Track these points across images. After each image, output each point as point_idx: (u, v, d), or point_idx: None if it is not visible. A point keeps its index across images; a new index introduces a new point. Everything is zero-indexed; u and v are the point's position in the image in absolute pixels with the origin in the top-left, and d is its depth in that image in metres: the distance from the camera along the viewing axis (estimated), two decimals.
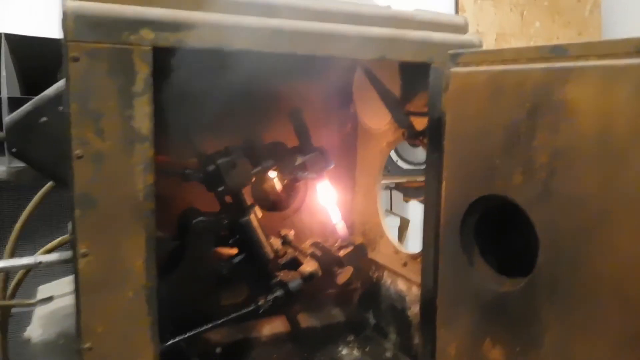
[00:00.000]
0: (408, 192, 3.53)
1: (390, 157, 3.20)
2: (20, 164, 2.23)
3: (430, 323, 1.29)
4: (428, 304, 1.31)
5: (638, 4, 4.17)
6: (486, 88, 1.12)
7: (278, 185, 1.72)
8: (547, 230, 1.01)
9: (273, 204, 1.65)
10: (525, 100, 1.05)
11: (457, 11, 4.34)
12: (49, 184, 1.48)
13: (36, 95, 1.11)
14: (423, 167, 3.42)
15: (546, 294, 1.01)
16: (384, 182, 3.26)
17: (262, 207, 1.64)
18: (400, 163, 3.32)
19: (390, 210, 3.60)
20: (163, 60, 1.05)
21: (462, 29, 1.30)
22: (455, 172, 1.19)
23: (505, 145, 1.08)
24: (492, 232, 1.20)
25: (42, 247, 1.48)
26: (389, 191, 3.58)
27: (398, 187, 3.50)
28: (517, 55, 1.10)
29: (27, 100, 1.10)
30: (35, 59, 2.42)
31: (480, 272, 1.18)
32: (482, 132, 1.12)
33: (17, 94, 2.33)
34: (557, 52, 1.02)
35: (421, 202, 3.46)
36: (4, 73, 2.31)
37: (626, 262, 0.89)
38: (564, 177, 0.98)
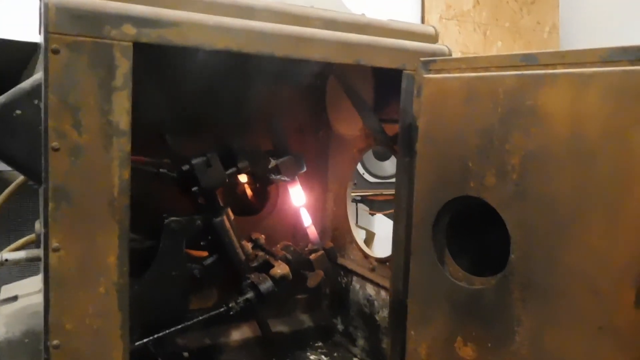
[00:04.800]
0: (374, 205, 3.56)
1: (357, 170, 3.24)
2: None
3: (400, 324, 1.31)
4: (397, 305, 1.33)
5: (594, 26, 4.38)
6: (459, 94, 1.16)
7: (249, 191, 1.72)
8: (519, 229, 1.05)
9: (245, 209, 1.64)
10: (498, 105, 1.09)
11: None
12: (15, 182, 1.44)
13: None
14: (389, 180, 3.47)
15: (518, 290, 1.04)
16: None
17: (234, 212, 1.64)
18: (367, 176, 3.36)
19: (356, 224, 3.62)
20: (143, 57, 1.05)
21: (432, 38, 1.34)
22: (428, 175, 1.22)
23: (479, 149, 1.11)
24: (465, 233, 1.23)
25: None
26: (355, 204, 3.60)
27: (364, 200, 3.52)
28: (488, 63, 1.14)
29: None
30: None
31: (451, 271, 1.20)
32: (456, 136, 1.16)
33: None
34: (528, 60, 1.07)
35: (386, 215, 3.52)
36: None
37: (596, 257, 0.93)
38: (535, 178, 1.02)
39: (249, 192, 1.73)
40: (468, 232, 1.25)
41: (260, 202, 1.71)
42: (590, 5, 4.58)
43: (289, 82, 1.60)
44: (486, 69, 1.14)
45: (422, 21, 4.42)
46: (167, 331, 1.25)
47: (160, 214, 1.32)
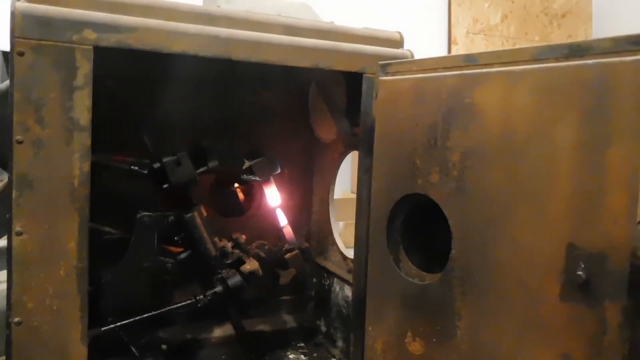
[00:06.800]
0: None
1: None
2: None
3: (361, 321, 1.34)
4: (359, 302, 1.36)
5: None
6: (410, 94, 1.20)
7: (241, 194, 1.79)
8: (459, 224, 1.07)
9: (234, 210, 1.72)
10: (442, 104, 1.12)
11: (449, 44, 4.48)
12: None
13: None
14: None
15: (458, 286, 1.07)
16: None
17: (223, 213, 1.72)
18: None
19: None
20: (116, 60, 1.14)
21: (397, 43, 1.39)
22: (383, 174, 1.25)
23: (425, 147, 1.15)
24: (422, 230, 1.26)
25: None
26: None
27: None
28: (437, 64, 1.17)
29: None
30: None
31: (405, 268, 1.23)
32: (406, 135, 1.19)
33: None
34: (469, 60, 1.10)
35: None
36: None
37: (524, 252, 0.95)
38: (472, 174, 1.05)
39: (241, 195, 1.80)
40: (425, 229, 1.27)
41: (247, 204, 1.78)
42: (624, 16, 4.49)
43: (271, 87, 1.67)
44: (434, 70, 1.17)
45: (449, 36, 4.45)
46: (134, 318, 1.32)
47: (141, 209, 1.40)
